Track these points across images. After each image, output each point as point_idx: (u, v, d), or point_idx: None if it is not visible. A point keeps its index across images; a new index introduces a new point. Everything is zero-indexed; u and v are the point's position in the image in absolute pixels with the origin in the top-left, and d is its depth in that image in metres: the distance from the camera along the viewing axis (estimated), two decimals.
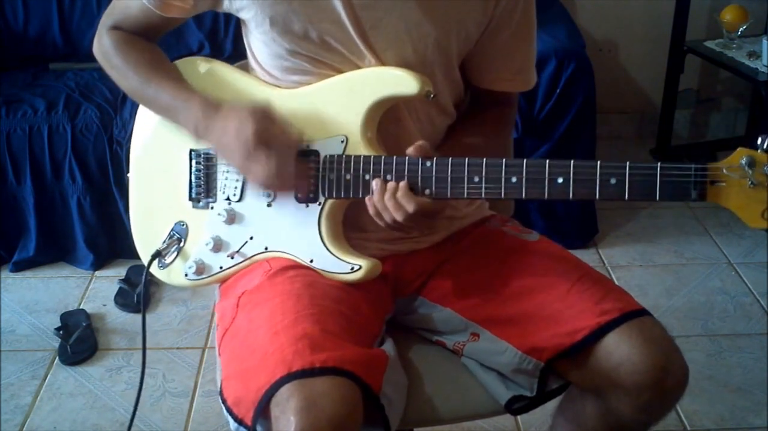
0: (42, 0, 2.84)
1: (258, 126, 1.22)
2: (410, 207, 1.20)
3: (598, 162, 1.14)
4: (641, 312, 1.25)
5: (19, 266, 2.66)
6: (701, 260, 2.68)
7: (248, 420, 1.15)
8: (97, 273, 2.65)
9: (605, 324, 1.22)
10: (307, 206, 1.30)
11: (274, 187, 1.30)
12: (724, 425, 2.02)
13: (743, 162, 1.08)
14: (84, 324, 2.34)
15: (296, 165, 1.26)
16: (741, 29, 2.95)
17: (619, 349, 1.20)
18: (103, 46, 1.40)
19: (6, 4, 2.84)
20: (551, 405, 1.36)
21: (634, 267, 2.66)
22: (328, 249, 1.30)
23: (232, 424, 1.19)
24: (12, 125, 2.53)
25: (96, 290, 2.57)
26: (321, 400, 1.08)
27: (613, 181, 1.14)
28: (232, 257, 1.36)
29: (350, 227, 1.34)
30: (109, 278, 2.60)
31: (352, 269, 1.29)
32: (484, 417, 1.40)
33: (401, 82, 1.25)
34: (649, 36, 3.28)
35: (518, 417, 2.01)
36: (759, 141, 1.08)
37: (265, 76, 1.36)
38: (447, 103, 1.38)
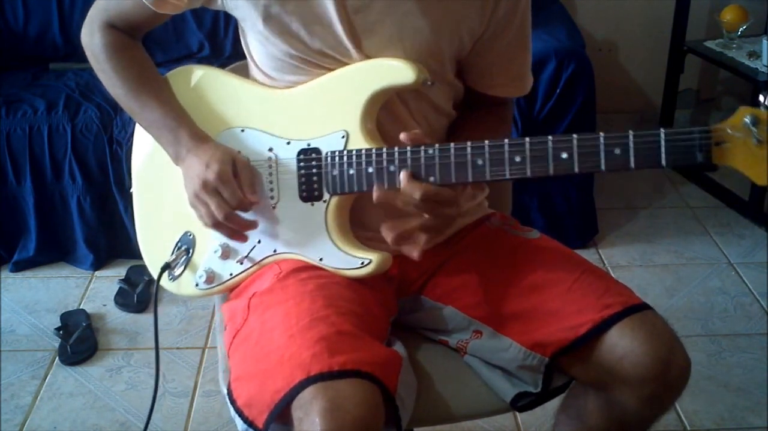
0: (42, 0, 2.84)
1: (219, 174, 1.26)
2: (417, 194, 1.18)
3: (601, 134, 1.13)
4: (643, 306, 1.26)
5: (19, 266, 2.66)
6: (701, 260, 2.68)
7: (260, 423, 1.15)
8: (97, 273, 2.65)
9: (608, 318, 1.23)
10: (313, 204, 1.30)
11: (219, 230, 1.32)
12: (724, 425, 2.02)
13: (747, 121, 1.07)
14: (84, 324, 2.34)
15: (242, 222, 1.31)
16: (741, 29, 2.95)
17: (622, 342, 1.21)
18: (94, 45, 1.40)
19: (6, 4, 2.83)
20: (552, 405, 1.36)
21: (634, 267, 2.66)
22: (336, 246, 1.29)
23: (241, 425, 1.19)
24: (12, 125, 2.53)
25: (96, 290, 2.57)
26: (345, 402, 1.08)
27: (617, 151, 1.12)
28: (242, 263, 1.36)
29: (356, 226, 1.34)
30: (109, 278, 2.60)
31: (363, 263, 1.29)
32: (489, 415, 1.40)
33: (397, 71, 1.25)
34: (649, 36, 3.28)
35: (518, 417, 2.02)
36: (761, 98, 1.07)
37: (263, 77, 1.36)
38: (442, 103, 1.37)
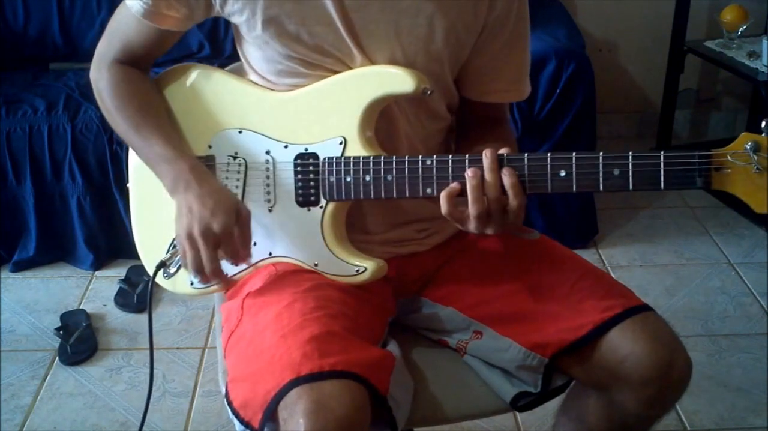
0: (42, 0, 2.84)
1: (224, 227, 1.22)
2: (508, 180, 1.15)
3: (601, 153, 1.13)
4: (644, 308, 1.26)
5: (19, 266, 2.66)
6: (701, 260, 2.68)
7: (256, 423, 1.15)
8: (97, 273, 2.65)
9: (609, 320, 1.23)
10: (309, 209, 1.30)
11: (199, 276, 1.26)
12: (724, 425, 2.02)
13: (747, 147, 1.07)
14: (84, 324, 2.34)
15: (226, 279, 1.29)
16: (741, 29, 2.95)
17: (623, 344, 1.21)
18: (101, 85, 1.38)
19: (6, 4, 2.83)
20: (552, 405, 1.37)
21: (634, 267, 2.66)
22: (332, 252, 1.29)
23: (238, 426, 1.19)
24: (12, 125, 2.53)
25: (96, 290, 2.57)
26: (330, 402, 1.09)
27: (616, 172, 1.13)
28: (237, 264, 1.36)
29: (353, 230, 1.34)
30: (109, 278, 2.60)
31: (358, 271, 1.28)
32: (488, 415, 1.40)
33: (397, 80, 1.25)
34: (649, 36, 3.28)
35: (518, 417, 2.01)
36: (763, 125, 1.07)
37: (259, 80, 1.36)
38: (438, 107, 1.36)
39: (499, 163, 1.16)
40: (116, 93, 1.36)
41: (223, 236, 1.23)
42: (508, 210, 1.16)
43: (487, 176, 1.15)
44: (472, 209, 1.16)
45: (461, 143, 1.40)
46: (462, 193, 1.17)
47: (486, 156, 1.16)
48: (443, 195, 1.18)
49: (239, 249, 1.26)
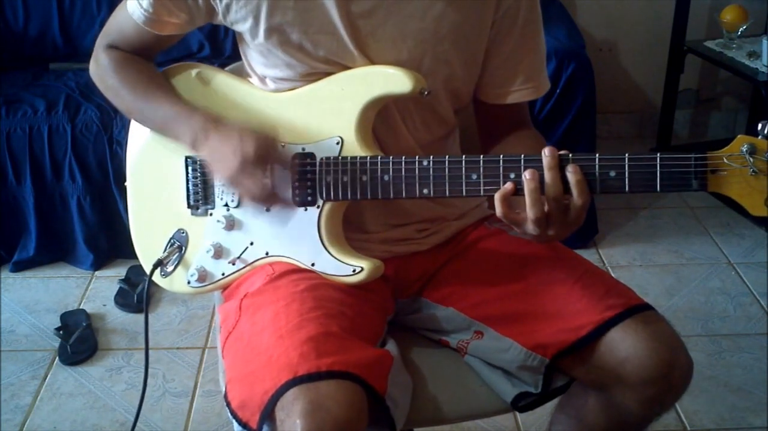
0: (42, 0, 2.84)
1: (259, 146, 1.21)
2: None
3: (597, 155, 1.13)
4: (645, 307, 1.26)
5: (19, 266, 2.66)
6: (701, 260, 2.68)
7: (253, 423, 1.15)
8: (97, 273, 2.65)
9: (609, 319, 1.22)
10: (306, 209, 1.30)
11: (268, 202, 1.28)
12: (724, 425, 2.02)
13: (744, 150, 1.07)
14: (84, 324, 2.34)
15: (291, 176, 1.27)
16: (741, 29, 2.95)
17: (624, 344, 1.21)
18: (100, 67, 1.39)
19: (6, 4, 2.84)
20: (552, 405, 1.36)
21: (634, 267, 2.66)
22: (329, 252, 1.29)
23: (237, 427, 1.19)
24: (12, 125, 2.53)
25: (96, 290, 2.57)
26: (326, 403, 1.09)
27: (612, 173, 1.13)
28: (234, 264, 1.36)
29: (351, 229, 1.34)
30: (109, 278, 2.60)
31: (354, 271, 1.28)
32: (489, 415, 1.40)
33: (394, 80, 1.24)
34: (649, 36, 3.28)
35: (518, 417, 2.02)
36: (759, 127, 1.07)
37: (259, 83, 1.36)
38: (446, 112, 1.36)
39: (561, 161, 1.14)
40: (118, 70, 1.37)
41: (263, 154, 1.22)
42: (570, 209, 1.15)
43: (548, 174, 1.13)
44: (530, 212, 1.14)
45: (489, 149, 1.39)
46: (517, 193, 1.16)
47: (546, 155, 1.14)
48: (497, 197, 1.16)
49: (283, 161, 1.26)
